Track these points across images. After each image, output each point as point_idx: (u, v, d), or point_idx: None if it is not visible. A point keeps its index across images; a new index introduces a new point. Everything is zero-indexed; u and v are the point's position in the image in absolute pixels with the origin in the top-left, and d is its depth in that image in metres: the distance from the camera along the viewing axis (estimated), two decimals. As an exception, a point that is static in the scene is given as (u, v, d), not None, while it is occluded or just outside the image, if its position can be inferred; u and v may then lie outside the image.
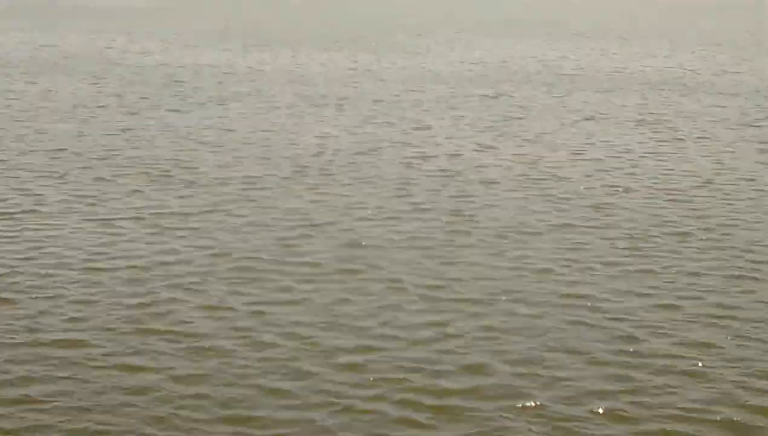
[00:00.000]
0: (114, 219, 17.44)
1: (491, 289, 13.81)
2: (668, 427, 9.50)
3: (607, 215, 18.16)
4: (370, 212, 18.18)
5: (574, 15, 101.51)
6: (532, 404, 9.98)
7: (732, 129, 28.21)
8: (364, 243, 16.09)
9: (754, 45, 60.94)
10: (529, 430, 9.36)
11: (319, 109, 31.19)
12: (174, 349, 11.32)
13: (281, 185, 20.37)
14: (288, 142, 25.32)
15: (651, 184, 20.85)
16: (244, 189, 19.96)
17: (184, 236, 16.35)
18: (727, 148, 25.16)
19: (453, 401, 10.02)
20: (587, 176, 21.56)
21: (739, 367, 11.07)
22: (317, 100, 33.07)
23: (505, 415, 9.71)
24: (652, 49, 56.70)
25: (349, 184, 20.47)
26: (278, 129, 27.23)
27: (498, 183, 20.76)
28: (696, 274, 14.63)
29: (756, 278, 14.50)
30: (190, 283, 13.84)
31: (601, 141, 26.00)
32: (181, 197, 19.17)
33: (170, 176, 21.08)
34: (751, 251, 15.89)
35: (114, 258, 15.02)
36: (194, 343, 11.54)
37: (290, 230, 16.89)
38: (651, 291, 13.78)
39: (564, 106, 32.32)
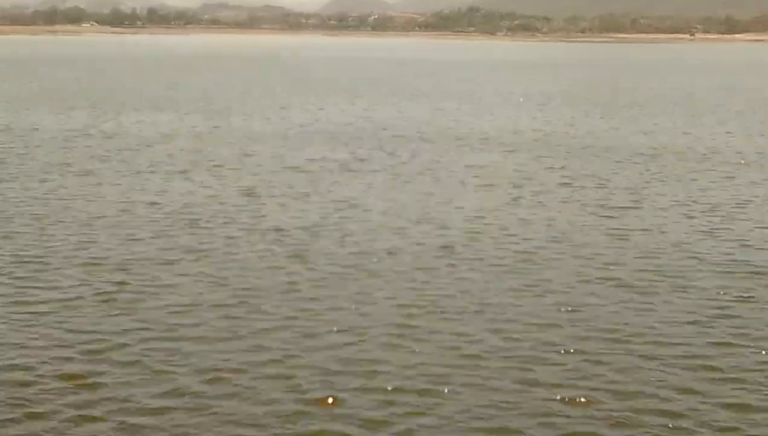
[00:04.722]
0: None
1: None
2: None
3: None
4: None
5: (410, 75, 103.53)
6: None
7: (568, 188, 28.84)
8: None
9: (590, 102, 63.38)
10: None
11: (161, 175, 30.16)
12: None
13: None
14: (120, 210, 24.26)
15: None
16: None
17: None
18: (560, 208, 25.61)
19: None
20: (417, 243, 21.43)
21: None
22: (166, 166, 32.02)
23: None
24: (490, 108, 58.13)
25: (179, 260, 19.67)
26: (104, 196, 26.12)
27: (337, 254, 20.38)
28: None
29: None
30: None
31: (440, 202, 26.01)
32: (15, 281, 17.93)
33: None
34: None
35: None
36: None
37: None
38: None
39: (401, 165, 32.34)
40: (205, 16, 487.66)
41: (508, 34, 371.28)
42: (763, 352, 14.74)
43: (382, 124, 47.03)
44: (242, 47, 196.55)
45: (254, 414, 12.34)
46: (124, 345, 14.60)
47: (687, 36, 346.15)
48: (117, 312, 16.20)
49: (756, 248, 21.45)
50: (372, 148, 37.67)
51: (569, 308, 16.77)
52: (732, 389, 13.38)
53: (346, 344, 14.80)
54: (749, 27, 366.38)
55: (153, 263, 19.41)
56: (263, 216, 24.28)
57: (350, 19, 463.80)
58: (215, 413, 12.31)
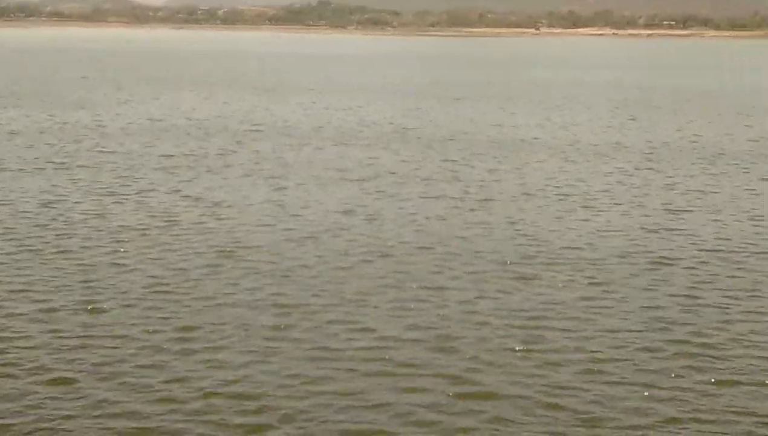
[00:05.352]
0: None
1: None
2: None
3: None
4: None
5: (264, 69, 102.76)
6: None
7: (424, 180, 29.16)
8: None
9: (442, 95, 64.25)
10: None
11: (6, 174, 28.84)
12: None
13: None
14: (-27, 215, 23.09)
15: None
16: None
17: None
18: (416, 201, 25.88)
19: None
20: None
21: None
22: (12, 164, 30.61)
23: None
24: (346, 101, 58.16)
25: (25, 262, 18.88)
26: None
27: (203, 254, 19.96)
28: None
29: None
30: None
31: (300, 196, 25.85)
32: None
33: None
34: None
35: None
36: None
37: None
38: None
39: (259, 160, 31.96)
40: (48, 8, 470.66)
41: (359, 27, 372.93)
42: (612, 336, 15.23)
43: (238, 119, 46.40)
44: (87, 41, 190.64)
45: (134, 409, 11.96)
46: (-26, 354, 13.93)
47: (532, 30, 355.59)
48: (-36, 319, 15.40)
49: (606, 236, 22.17)
50: (228, 143, 37.11)
51: (430, 298, 16.92)
52: (576, 372, 13.80)
53: (206, 345, 14.49)
54: (590, 21, 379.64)
55: (1, 266, 18.52)
56: (115, 214, 23.52)
57: (199, 12, 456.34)
58: (103, 406, 11.88)
